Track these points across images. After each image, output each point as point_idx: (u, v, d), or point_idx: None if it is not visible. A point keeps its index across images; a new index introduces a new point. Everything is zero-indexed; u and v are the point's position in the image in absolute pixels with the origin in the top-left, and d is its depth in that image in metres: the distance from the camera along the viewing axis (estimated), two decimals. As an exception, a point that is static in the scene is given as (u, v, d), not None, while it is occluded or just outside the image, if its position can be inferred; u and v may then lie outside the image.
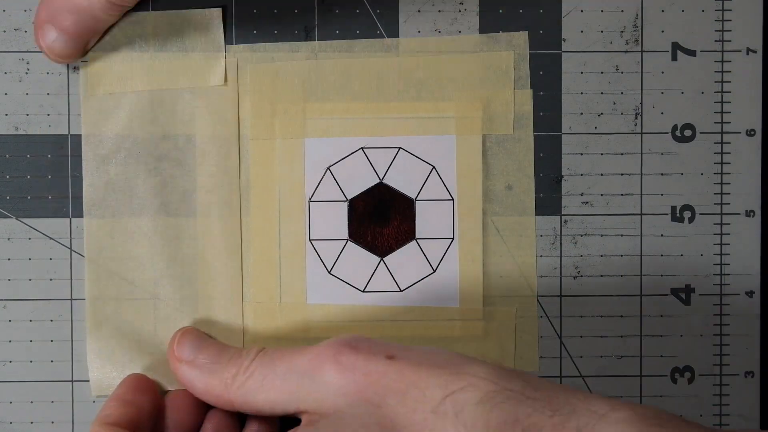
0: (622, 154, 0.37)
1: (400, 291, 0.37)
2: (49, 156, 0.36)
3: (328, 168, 0.36)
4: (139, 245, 0.36)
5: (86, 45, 0.35)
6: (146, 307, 0.36)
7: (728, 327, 0.38)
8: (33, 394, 0.36)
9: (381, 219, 0.37)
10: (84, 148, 0.36)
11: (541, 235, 0.37)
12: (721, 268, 0.38)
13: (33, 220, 0.36)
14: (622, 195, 0.37)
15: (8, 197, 0.36)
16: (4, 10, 0.36)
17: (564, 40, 0.37)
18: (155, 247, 0.36)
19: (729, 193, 0.37)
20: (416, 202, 0.37)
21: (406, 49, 0.37)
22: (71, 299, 0.36)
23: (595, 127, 0.37)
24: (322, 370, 0.30)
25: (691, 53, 0.37)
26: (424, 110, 0.36)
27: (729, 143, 0.37)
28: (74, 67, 0.36)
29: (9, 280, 0.36)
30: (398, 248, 0.36)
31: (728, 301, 0.37)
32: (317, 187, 0.36)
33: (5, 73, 0.36)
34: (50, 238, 0.36)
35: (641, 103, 0.37)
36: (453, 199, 0.37)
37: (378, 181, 0.37)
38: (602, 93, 0.37)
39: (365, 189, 0.37)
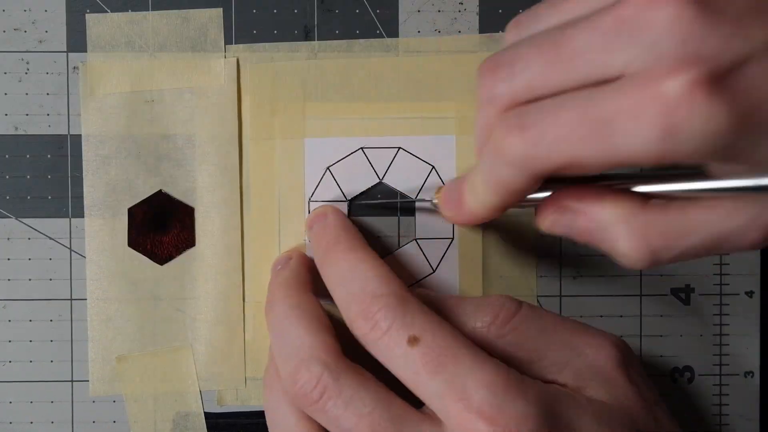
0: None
1: (400, 291, 0.37)
2: (49, 156, 0.36)
3: (328, 168, 0.36)
4: (139, 245, 0.36)
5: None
6: (146, 307, 0.36)
7: (728, 327, 0.38)
8: (33, 394, 0.37)
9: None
10: (84, 148, 0.36)
11: (542, 235, 0.37)
12: (720, 267, 0.37)
13: (33, 220, 0.36)
14: (622, 195, 0.37)
15: (8, 197, 0.36)
16: (3, 10, 0.36)
17: (564, 40, 0.37)
18: (155, 247, 0.36)
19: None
20: (416, 202, 0.37)
21: (406, 49, 0.37)
22: (71, 299, 0.36)
23: (595, 127, 0.37)
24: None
25: (691, 53, 0.37)
26: (423, 110, 0.36)
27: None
28: (74, 67, 0.36)
29: (9, 280, 0.36)
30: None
31: (728, 301, 0.37)
32: (317, 186, 0.36)
33: (5, 73, 0.36)
34: (50, 238, 0.36)
35: (641, 103, 0.37)
36: (453, 199, 0.37)
37: (378, 180, 0.37)
38: (602, 93, 0.37)
39: (365, 189, 0.37)
